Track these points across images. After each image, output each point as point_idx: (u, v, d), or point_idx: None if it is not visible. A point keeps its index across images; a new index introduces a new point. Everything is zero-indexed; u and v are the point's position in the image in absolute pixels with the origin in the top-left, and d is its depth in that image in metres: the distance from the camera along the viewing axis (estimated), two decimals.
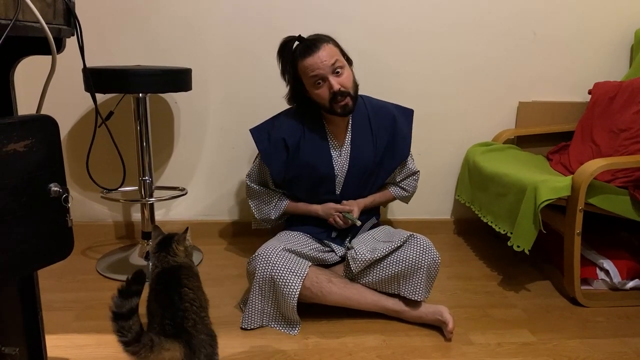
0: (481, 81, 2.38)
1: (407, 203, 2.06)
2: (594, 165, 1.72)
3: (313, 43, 1.68)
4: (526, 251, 1.78)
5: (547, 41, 2.36)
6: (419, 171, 1.98)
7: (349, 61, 1.78)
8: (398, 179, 1.95)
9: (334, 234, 1.84)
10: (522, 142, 2.43)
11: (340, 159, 1.82)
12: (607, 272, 1.89)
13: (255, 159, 1.91)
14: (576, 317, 1.75)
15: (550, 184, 1.74)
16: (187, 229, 1.35)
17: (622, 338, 1.63)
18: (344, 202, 1.82)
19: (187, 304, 1.18)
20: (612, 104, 2.16)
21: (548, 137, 2.42)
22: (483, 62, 2.36)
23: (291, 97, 1.82)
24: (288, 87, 1.80)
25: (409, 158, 1.93)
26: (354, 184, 1.84)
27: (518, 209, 1.80)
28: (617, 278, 1.88)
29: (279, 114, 1.88)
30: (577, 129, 2.30)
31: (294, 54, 1.72)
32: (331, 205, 1.82)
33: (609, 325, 1.70)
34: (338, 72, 1.68)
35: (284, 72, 1.77)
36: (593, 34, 2.37)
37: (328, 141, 1.82)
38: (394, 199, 1.98)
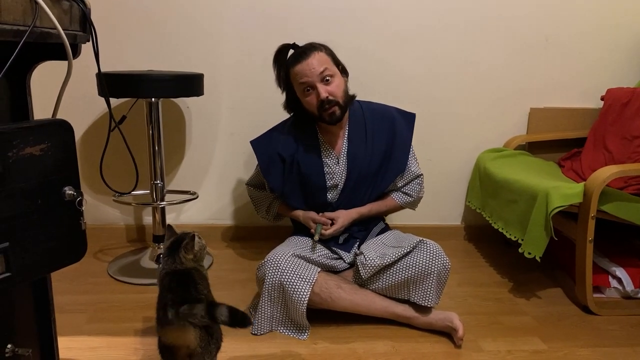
0: (492, 87, 2.38)
1: (414, 209, 2.02)
2: (606, 172, 1.70)
3: (304, 51, 1.70)
4: (537, 258, 1.76)
5: (559, 47, 2.35)
6: (422, 174, 1.93)
7: (344, 72, 1.78)
8: (400, 184, 1.91)
9: (341, 240, 1.84)
10: (534, 148, 2.42)
11: (338, 168, 1.82)
12: (619, 280, 1.87)
13: (256, 168, 1.97)
14: (588, 326, 1.73)
15: (562, 190, 1.73)
16: (193, 235, 1.30)
17: (635, 347, 1.61)
18: (326, 213, 1.82)
19: (203, 296, 1.21)
20: (625, 111, 2.15)
21: (560, 144, 2.41)
22: (494, 68, 2.35)
23: (287, 105, 1.84)
24: (284, 95, 1.83)
25: (412, 159, 1.89)
26: (352, 193, 1.83)
27: (529, 216, 1.79)
28: (629, 286, 1.86)
29: (277, 126, 1.90)
30: (590, 135, 2.29)
31: (287, 61, 1.75)
32: (310, 215, 1.83)
33: (621, 334, 1.68)
34: (327, 80, 1.69)
35: (278, 79, 1.79)
36: (606, 39, 2.36)
37: (321, 152, 1.82)
38: (398, 206, 1.93)
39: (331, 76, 1.70)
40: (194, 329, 1.14)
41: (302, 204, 1.87)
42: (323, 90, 1.68)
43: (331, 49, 1.77)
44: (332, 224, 1.80)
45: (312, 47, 1.71)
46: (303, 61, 1.68)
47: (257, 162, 1.91)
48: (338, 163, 1.82)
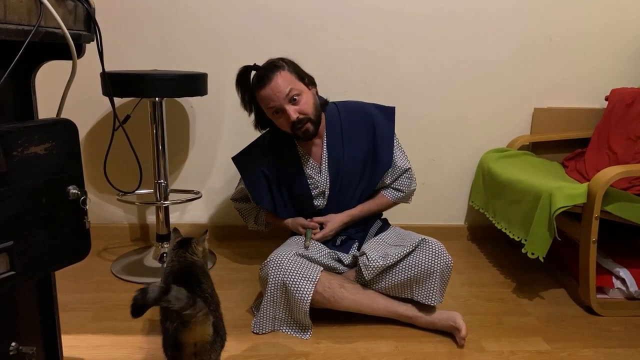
0: (496, 87, 2.37)
1: (408, 202, 1.98)
2: (610, 173, 1.70)
3: (265, 74, 1.66)
4: (541, 258, 1.76)
5: (563, 47, 2.34)
6: (410, 167, 1.88)
7: (311, 82, 1.74)
8: (389, 181, 1.88)
9: (338, 242, 1.84)
10: (538, 148, 2.42)
11: (321, 176, 1.81)
12: (623, 281, 1.86)
13: (239, 183, 1.98)
14: (591, 326, 1.73)
15: (566, 191, 1.72)
16: (206, 231, 1.38)
17: (639, 348, 1.60)
18: (315, 218, 1.83)
19: (207, 294, 1.22)
20: (630, 111, 2.14)
21: (564, 144, 2.40)
22: (498, 68, 2.35)
23: (258, 124, 1.81)
24: (253, 115, 1.79)
25: (398, 153, 1.86)
26: (339, 197, 1.82)
27: (533, 216, 1.78)
28: (633, 287, 1.85)
29: (256, 141, 1.89)
30: (594, 135, 2.28)
31: (251, 84, 1.72)
32: (299, 221, 1.85)
33: (625, 335, 1.68)
34: (295, 99, 1.66)
35: (243, 102, 1.75)
36: (610, 39, 2.35)
37: (302, 163, 1.81)
38: (391, 203, 1.91)
39: (298, 94, 1.66)
40: (209, 323, 1.14)
41: (291, 213, 1.88)
42: (292, 112, 1.65)
43: (294, 62, 1.72)
44: (322, 228, 1.81)
45: (274, 67, 1.67)
46: (267, 85, 1.64)
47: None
48: (320, 172, 1.81)
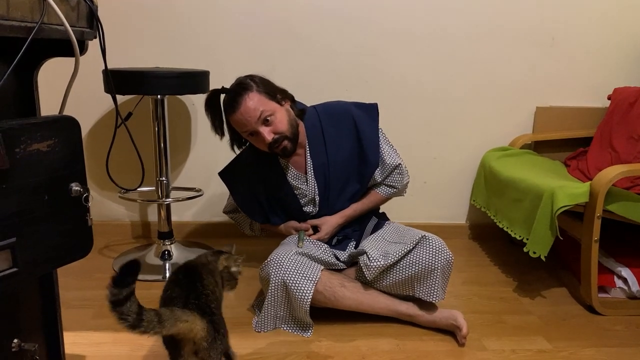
0: (498, 86, 2.37)
1: (403, 195, 1.95)
2: (612, 172, 1.70)
3: (234, 98, 1.63)
4: (542, 257, 1.76)
5: (565, 46, 2.34)
6: (400, 163, 1.83)
7: (284, 97, 1.70)
8: (380, 178, 1.83)
9: (334, 242, 1.84)
10: (540, 147, 2.41)
11: (307, 186, 1.80)
12: (625, 280, 1.86)
13: (229, 197, 1.98)
14: (593, 325, 1.73)
15: (568, 190, 1.72)
16: (239, 261, 1.39)
17: None
18: (309, 221, 1.84)
19: (209, 291, 1.22)
20: (632, 110, 2.13)
21: (566, 143, 2.40)
22: (501, 67, 2.34)
23: (233, 144, 1.80)
24: (228, 136, 1.77)
25: (386, 149, 1.82)
26: (330, 202, 1.82)
27: (534, 215, 1.78)
28: (635, 286, 1.85)
29: (240, 154, 1.86)
30: (596, 134, 2.28)
31: (223, 108, 1.70)
32: (291, 224, 1.85)
33: (626, 334, 1.68)
34: (267, 120, 1.63)
35: (214, 126, 1.73)
36: (612, 38, 2.34)
37: (287, 175, 1.80)
38: (385, 199, 1.89)
39: (270, 115, 1.63)
40: (201, 320, 1.14)
41: (284, 220, 1.89)
42: (267, 134, 1.63)
43: (264, 79, 1.68)
44: (317, 230, 1.82)
45: (242, 89, 1.63)
46: (237, 110, 1.62)
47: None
48: (306, 181, 1.80)
